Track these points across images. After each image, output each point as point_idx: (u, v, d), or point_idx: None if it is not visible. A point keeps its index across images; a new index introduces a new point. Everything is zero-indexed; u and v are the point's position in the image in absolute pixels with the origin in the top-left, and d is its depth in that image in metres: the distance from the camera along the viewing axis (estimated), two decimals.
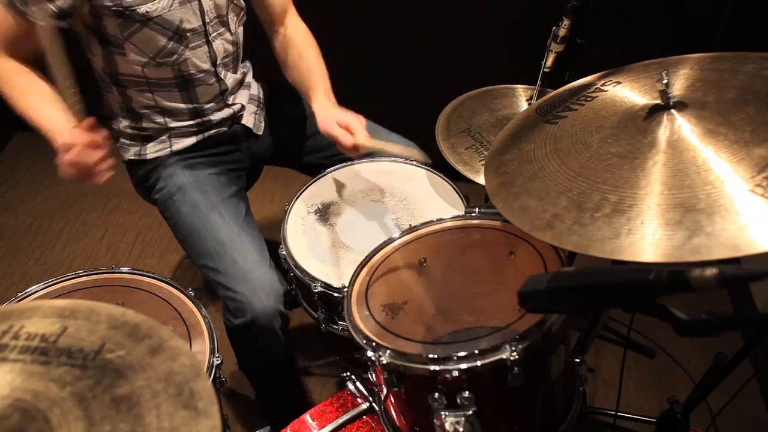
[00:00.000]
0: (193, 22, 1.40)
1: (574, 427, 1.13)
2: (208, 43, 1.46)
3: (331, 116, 1.47)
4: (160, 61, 1.41)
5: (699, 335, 0.64)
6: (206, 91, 1.52)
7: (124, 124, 1.55)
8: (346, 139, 1.43)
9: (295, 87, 1.64)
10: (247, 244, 1.48)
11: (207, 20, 1.43)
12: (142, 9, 1.32)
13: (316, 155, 1.71)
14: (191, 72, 1.47)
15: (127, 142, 1.57)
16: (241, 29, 1.55)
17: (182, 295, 1.33)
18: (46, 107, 1.31)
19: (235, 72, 1.58)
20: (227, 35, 1.50)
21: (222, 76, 1.53)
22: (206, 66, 1.48)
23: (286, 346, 1.52)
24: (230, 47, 1.53)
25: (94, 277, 1.38)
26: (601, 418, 1.81)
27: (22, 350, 0.69)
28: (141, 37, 1.37)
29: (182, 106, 1.52)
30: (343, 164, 1.61)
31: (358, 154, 1.48)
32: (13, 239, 2.51)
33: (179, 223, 1.55)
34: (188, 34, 1.41)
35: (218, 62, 1.50)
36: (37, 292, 1.33)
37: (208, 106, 1.55)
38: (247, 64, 1.67)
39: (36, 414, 0.63)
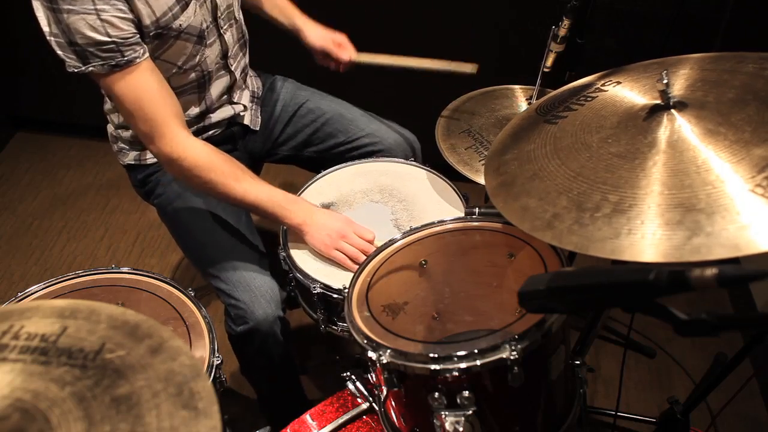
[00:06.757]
0: (208, 20, 1.41)
1: (574, 428, 1.13)
2: (220, 36, 1.46)
3: (325, 34, 1.64)
4: (186, 68, 1.42)
5: (699, 335, 0.64)
6: (217, 86, 1.53)
7: (124, 129, 1.54)
8: (343, 54, 1.61)
9: (275, 20, 1.69)
10: (248, 250, 1.48)
11: (219, 14, 1.43)
12: (176, 24, 1.32)
13: (311, 149, 1.71)
14: (210, 70, 1.48)
15: (127, 146, 1.57)
16: (241, 13, 1.55)
17: (182, 295, 1.33)
18: (259, 187, 1.36)
19: (243, 58, 1.59)
20: (234, 23, 1.51)
21: (232, 68, 1.53)
22: (219, 60, 1.49)
23: (287, 349, 1.52)
24: (237, 34, 1.54)
25: (94, 277, 1.38)
26: (601, 418, 1.81)
27: (22, 350, 0.69)
28: (172, 51, 1.37)
29: (196, 109, 1.52)
30: (343, 165, 1.61)
31: (345, 68, 1.64)
32: (13, 239, 2.51)
33: (179, 230, 1.55)
34: (206, 33, 1.41)
35: (229, 53, 1.51)
36: (37, 292, 1.33)
37: (216, 104, 1.55)
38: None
39: (36, 414, 0.62)
